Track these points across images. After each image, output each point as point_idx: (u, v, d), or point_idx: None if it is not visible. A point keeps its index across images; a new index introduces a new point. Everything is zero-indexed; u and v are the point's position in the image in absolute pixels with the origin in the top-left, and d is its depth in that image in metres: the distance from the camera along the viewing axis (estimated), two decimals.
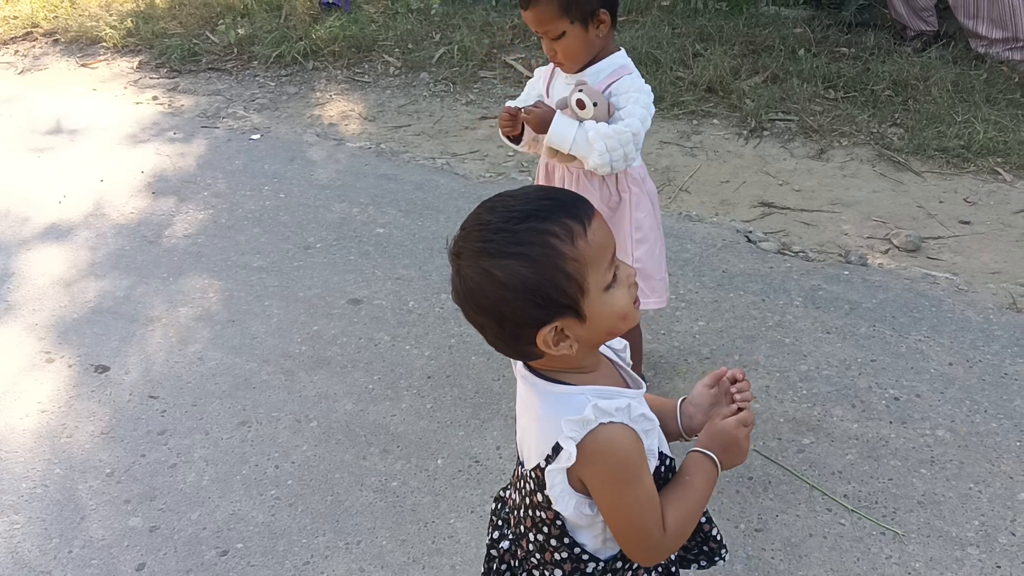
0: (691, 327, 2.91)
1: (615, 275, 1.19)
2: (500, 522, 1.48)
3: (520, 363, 1.27)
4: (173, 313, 3.19)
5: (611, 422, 1.17)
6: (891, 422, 2.47)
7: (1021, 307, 2.89)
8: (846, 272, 3.11)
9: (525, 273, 1.13)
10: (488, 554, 1.50)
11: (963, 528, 2.15)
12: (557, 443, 1.18)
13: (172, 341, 3.06)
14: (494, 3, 5.31)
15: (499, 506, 1.50)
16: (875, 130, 3.99)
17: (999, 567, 2.05)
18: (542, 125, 2.11)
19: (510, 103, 2.24)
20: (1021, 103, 4.12)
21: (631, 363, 1.38)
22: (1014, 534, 2.12)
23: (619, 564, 1.33)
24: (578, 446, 1.16)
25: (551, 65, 2.24)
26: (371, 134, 4.33)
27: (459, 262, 1.18)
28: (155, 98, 4.89)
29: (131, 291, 3.33)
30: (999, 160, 3.73)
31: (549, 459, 1.20)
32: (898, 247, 3.27)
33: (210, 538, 2.34)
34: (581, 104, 2.06)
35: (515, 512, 1.38)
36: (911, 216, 3.46)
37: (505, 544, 1.44)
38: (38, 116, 4.75)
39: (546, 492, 1.23)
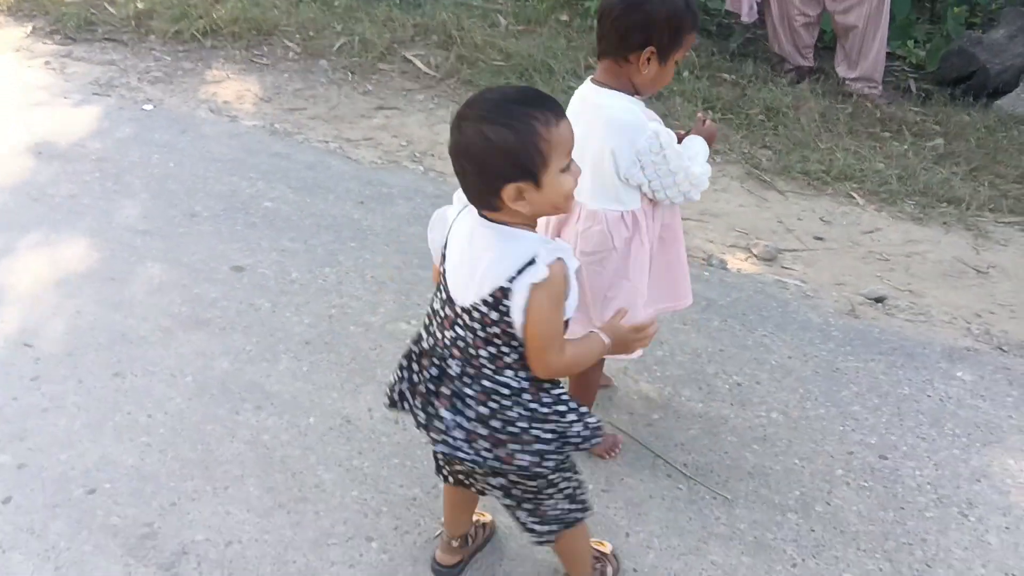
0: None
1: (569, 166, 1.58)
2: (433, 359, 1.75)
3: (475, 213, 1.63)
4: (54, 269, 3.19)
5: (562, 259, 1.59)
6: (732, 404, 2.70)
7: (859, 314, 3.18)
8: (706, 273, 3.35)
9: (510, 139, 1.51)
10: (413, 397, 1.79)
11: (785, 496, 2.38)
12: (527, 263, 1.56)
13: (51, 295, 3.06)
14: (398, 0, 5.43)
15: (419, 355, 1.78)
16: (746, 150, 4.29)
17: (813, 531, 2.28)
18: None
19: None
20: (879, 136, 4.50)
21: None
22: (829, 504, 2.36)
23: None
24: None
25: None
26: (265, 114, 4.39)
27: (461, 123, 1.55)
28: (47, 63, 4.82)
29: (12, 245, 3.31)
30: (855, 185, 4.06)
31: (512, 279, 1.57)
32: (756, 255, 3.55)
33: (78, 477, 2.38)
34: None
35: (458, 343, 1.69)
36: (771, 230, 3.74)
37: (447, 371, 1.73)
38: None
39: (505, 303, 1.59)
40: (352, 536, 2.21)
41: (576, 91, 2.18)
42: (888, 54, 5.27)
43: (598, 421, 1.74)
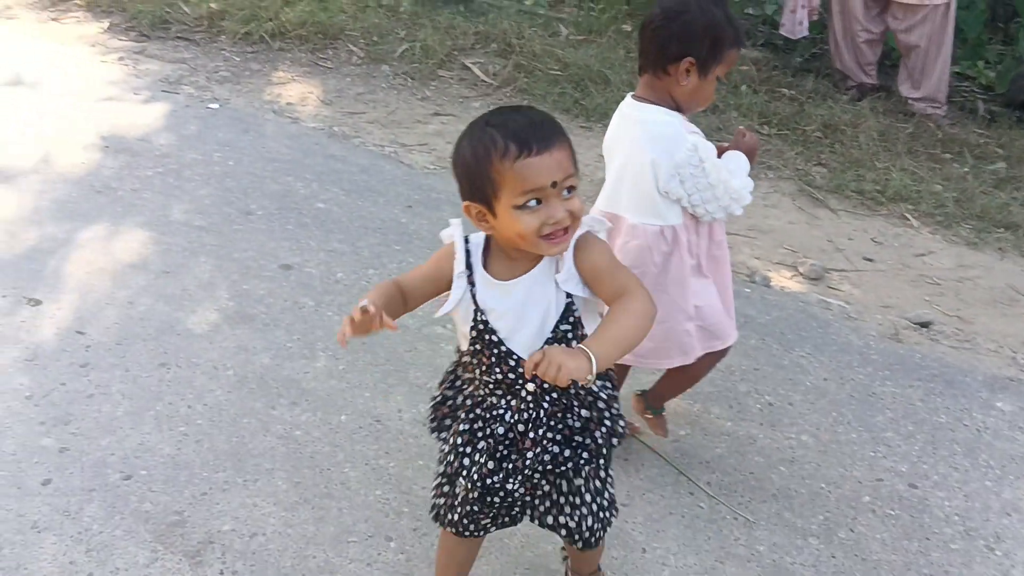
0: None
1: (531, 204, 1.49)
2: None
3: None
4: (110, 259, 3.31)
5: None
6: (762, 424, 2.68)
7: (902, 339, 3.13)
8: (748, 290, 3.33)
9: (467, 156, 1.53)
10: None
11: (808, 521, 2.36)
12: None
13: (106, 284, 3.19)
14: (462, 8, 5.50)
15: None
16: (800, 167, 4.25)
17: (834, 557, 2.25)
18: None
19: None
20: (940, 157, 4.41)
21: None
22: (852, 531, 2.33)
23: None
24: None
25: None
26: (326, 116, 4.49)
27: None
28: (120, 59, 5.01)
29: (72, 235, 3.45)
30: (909, 207, 3.99)
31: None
32: (802, 274, 3.51)
33: (117, 463, 2.47)
34: None
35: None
36: (820, 248, 3.70)
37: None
38: (0, 63, 4.83)
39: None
40: (372, 535, 2.26)
41: (617, 109, 2.20)
42: (957, 74, 5.17)
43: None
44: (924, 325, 3.21)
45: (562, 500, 1.83)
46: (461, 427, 1.78)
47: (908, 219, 3.92)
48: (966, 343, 3.12)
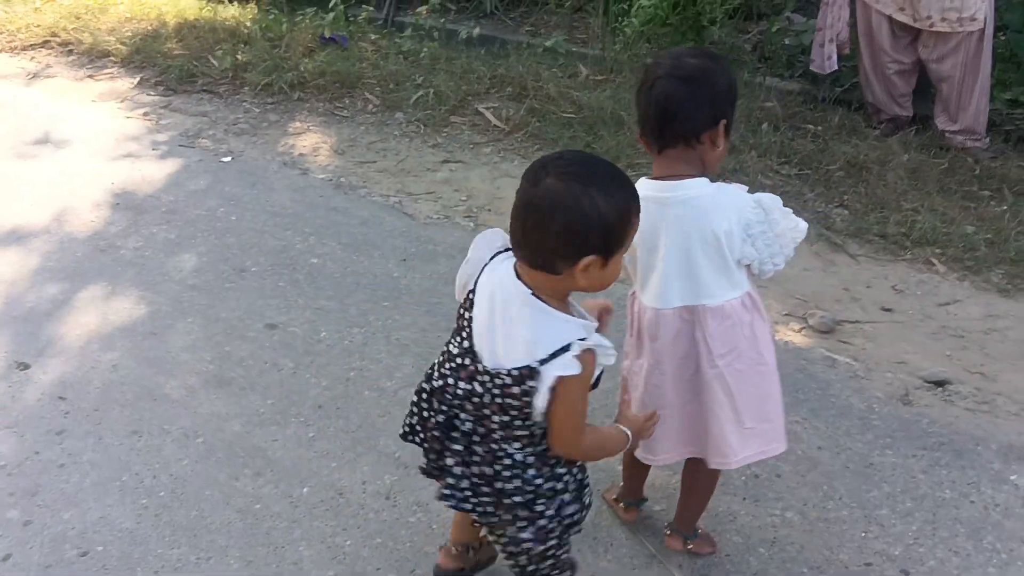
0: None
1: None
2: (442, 405, 1.80)
3: (510, 271, 1.67)
4: (102, 321, 3.32)
5: (592, 350, 1.60)
6: (744, 499, 2.50)
7: (912, 400, 2.91)
8: None
9: (613, 212, 1.57)
10: (424, 432, 1.87)
11: None
12: (557, 352, 1.57)
13: (94, 348, 3.19)
14: (483, 52, 5.45)
15: (430, 394, 1.83)
16: (820, 209, 4.04)
17: None
18: None
19: None
20: (976, 195, 4.15)
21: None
22: None
23: None
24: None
25: None
26: (336, 167, 4.46)
27: (549, 175, 1.57)
28: (145, 114, 5.09)
29: (70, 296, 3.47)
30: (937, 251, 3.75)
31: (544, 362, 1.58)
32: (812, 327, 3.31)
33: (76, 538, 2.45)
34: None
35: (473, 399, 1.72)
36: (835, 298, 3.49)
37: (456, 424, 1.78)
38: (32, 123, 4.95)
39: (531, 383, 1.60)
40: None
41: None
42: (1009, 101, 4.88)
43: (588, 505, 1.86)
44: (939, 384, 2.98)
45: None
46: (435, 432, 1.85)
47: (934, 264, 3.68)
48: (984, 404, 2.88)
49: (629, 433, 1.84)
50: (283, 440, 2.76)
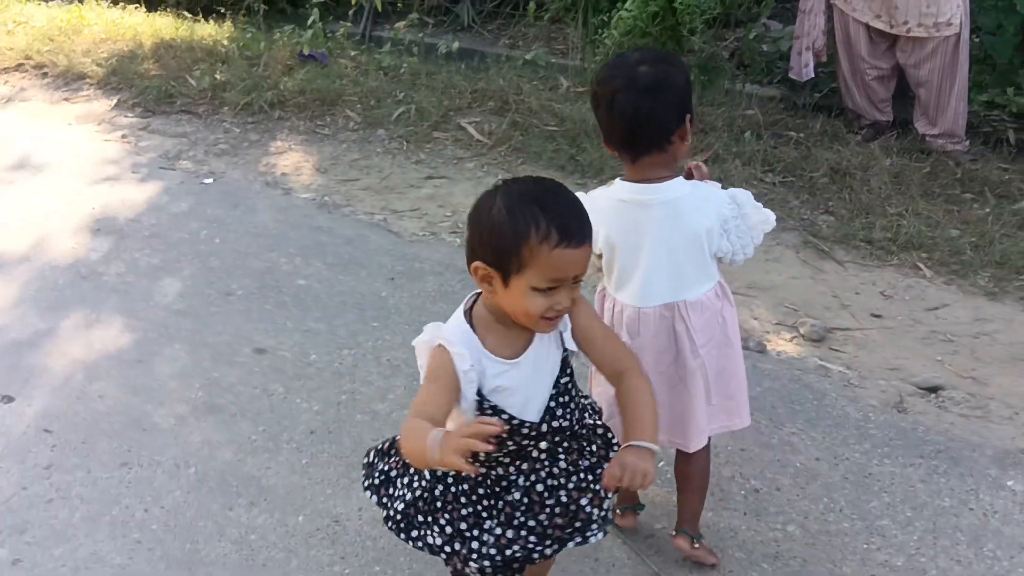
0: None
1: (551, 291, 1.54)
2: None
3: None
4: (86, 350, 3.27)
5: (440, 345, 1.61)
6: (745, 513, 2.49)
7: (907, 407, 2.91)
8: None
9: (502, 226, 1.52)
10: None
11: None
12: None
13: (79, 377, 3.13)
14: (463, 66, 5.43)
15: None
16: (806, 216, 4.05)
17: None
18: None
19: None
20: (959, 198, 4.17)
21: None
22: None
23: None
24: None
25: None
26: (319, 186, 4.43)
27: (498, 187, 1.61)
28: (123, 136, 5.03)
29: (53, 325, 3.42)
30: (923, 255, 3.77)
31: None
32: (803, 335, 3.31)
33: (67, 575, 2.39)
34: None
35: None
36: (824, 305, 3.50)
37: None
38: (8, 148, 4.88)
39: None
40: None
41: (604, 195, 2.06)
42: (985, 103, 4.91)
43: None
44: (932, 390, 2.99)
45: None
46: (463, 511, 1.72)
47: (921, 268, 3.69)
48: (977, 410, 2.89)
49: (438, 439, 1.42)
50: (276, 467, 2.72)
